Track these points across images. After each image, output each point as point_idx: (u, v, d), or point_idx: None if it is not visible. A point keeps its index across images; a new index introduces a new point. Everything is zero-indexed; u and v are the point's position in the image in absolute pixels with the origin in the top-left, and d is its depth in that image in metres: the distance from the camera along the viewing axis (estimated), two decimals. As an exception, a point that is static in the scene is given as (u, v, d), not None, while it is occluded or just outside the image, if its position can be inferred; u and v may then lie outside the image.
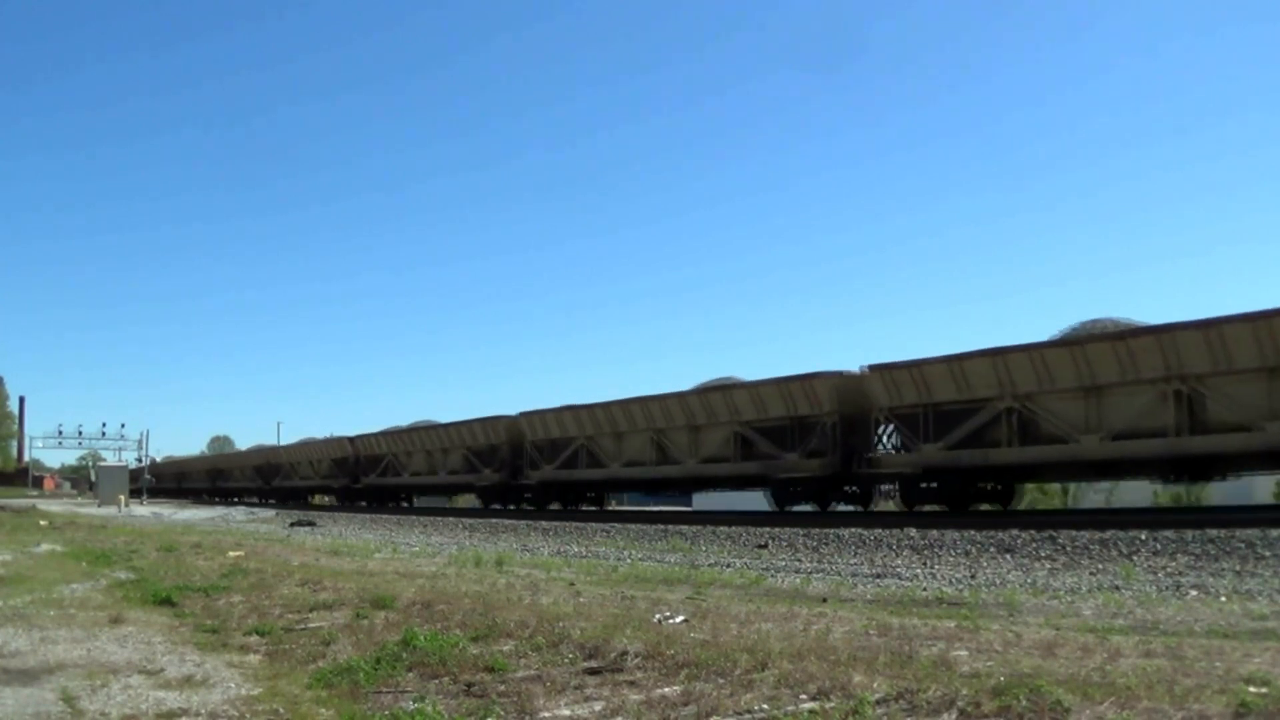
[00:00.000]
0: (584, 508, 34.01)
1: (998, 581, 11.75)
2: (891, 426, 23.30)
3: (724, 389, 27.36)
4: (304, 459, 55.58)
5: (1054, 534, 15.21)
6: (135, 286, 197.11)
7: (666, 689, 5.45)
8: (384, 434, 46.78)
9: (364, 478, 47.71)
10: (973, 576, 12.41)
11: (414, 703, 5.43)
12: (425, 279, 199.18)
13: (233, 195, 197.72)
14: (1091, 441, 19.22)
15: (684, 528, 21.92)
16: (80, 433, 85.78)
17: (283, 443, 67.58)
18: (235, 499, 62.59)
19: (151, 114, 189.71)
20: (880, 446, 23.90)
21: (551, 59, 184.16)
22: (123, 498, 53.15)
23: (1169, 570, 12.24)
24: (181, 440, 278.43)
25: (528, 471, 34.96)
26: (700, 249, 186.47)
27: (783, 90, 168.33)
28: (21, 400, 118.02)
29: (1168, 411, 18.14)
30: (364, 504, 47.60)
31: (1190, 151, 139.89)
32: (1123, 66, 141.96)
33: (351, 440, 49.78)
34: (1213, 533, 13.76)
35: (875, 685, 5.09)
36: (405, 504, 46.84)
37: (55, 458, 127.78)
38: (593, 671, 6.03)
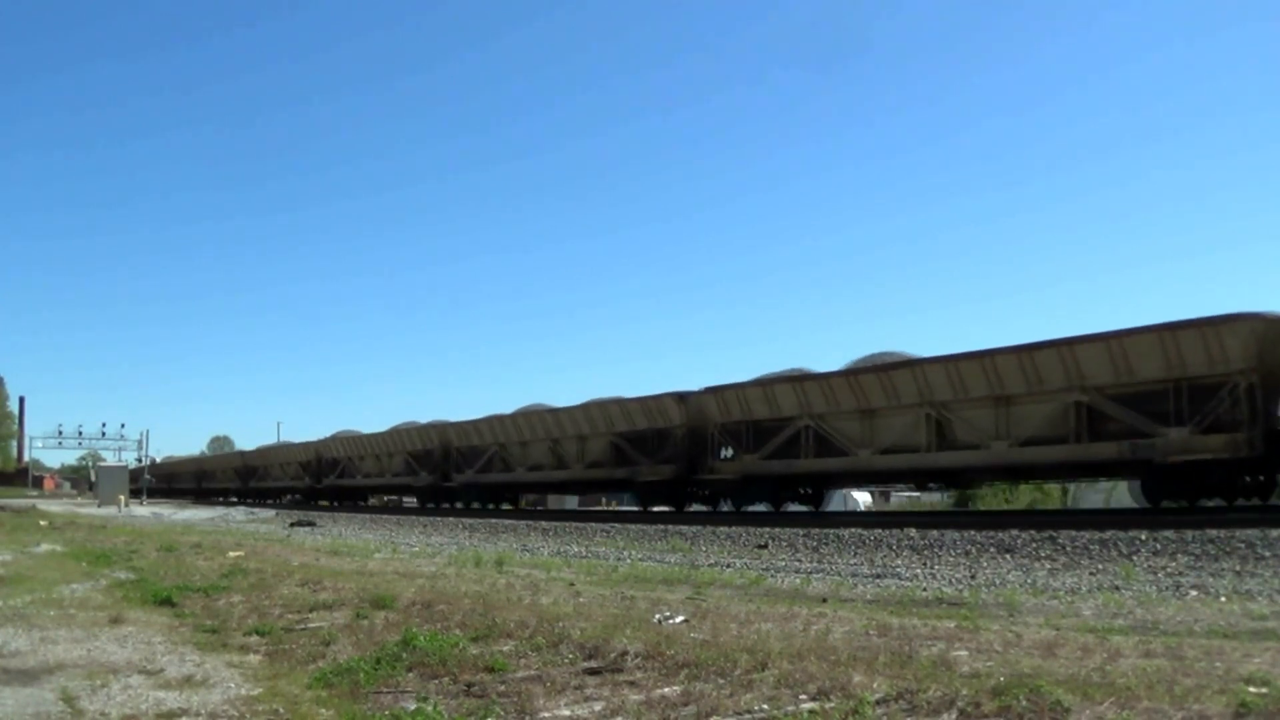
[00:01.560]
0: (503, 506, 37.84)
1: (998, 581, 11.73)
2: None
3: (604, 404, 30.96)
4: (276, 462, 59.84)
5: (1054, 534, 15.19)
6: (135, 286, 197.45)
7: (666, 689, 5.45)
8: (338, 438, 50.25)
9: (325, 479, 50.72)
10: (973, 576, 12.40)
11: (414, 703, 5.43)
12: (425, 278, 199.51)
13: (233, 195, 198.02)
14: None
15: (684, 528, 21.90)
16: (80, 433, 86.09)
17: (263, 445, 72.80)
18: (219, 500, 66.48)
19: (151, 114, 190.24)
20: None
21: (552, 59, 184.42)
22: (122, 498, 53.12)
23: (1169, 570, 12.22)
24: (181, 440, 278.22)
25: (453, 475, 38.42)
26: (700, 249, 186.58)
27: (783, 90, 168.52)
28: (21, 400, 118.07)
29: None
30: (325, 504, 50.06)
31: (1190, 151, 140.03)
32: (1123, 66, 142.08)
33: (315, 444, 53.14)
34: (1213, 533, 13.73)
35: (875, 685, 5.09)
36: (360, 503, 49.65)
37: (55, 458, 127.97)
38: (593, 671, 6.03)
